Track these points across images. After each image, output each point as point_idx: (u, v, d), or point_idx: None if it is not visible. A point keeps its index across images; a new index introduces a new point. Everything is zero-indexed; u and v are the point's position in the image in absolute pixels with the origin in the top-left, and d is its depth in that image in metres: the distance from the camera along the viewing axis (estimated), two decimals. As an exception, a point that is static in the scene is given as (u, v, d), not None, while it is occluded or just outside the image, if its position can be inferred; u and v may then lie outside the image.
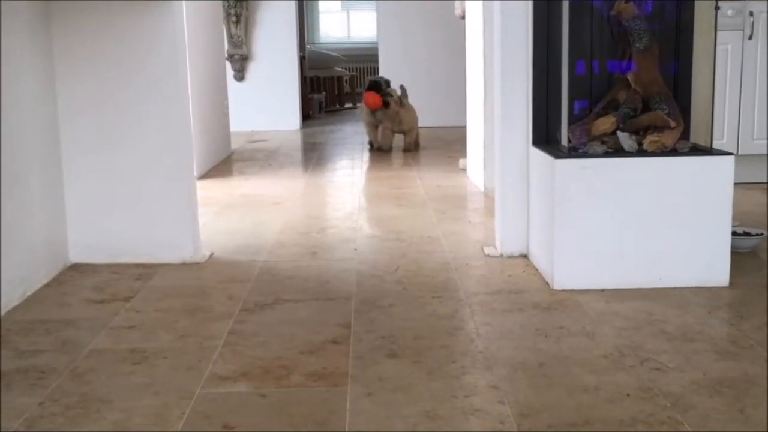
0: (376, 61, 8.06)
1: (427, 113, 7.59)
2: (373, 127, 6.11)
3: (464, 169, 4.98)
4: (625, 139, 2.51)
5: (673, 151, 2.51)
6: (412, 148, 6.07)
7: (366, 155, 5.96)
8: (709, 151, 2.54)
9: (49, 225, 2.76)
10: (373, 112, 5.96)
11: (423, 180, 4.73)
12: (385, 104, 5.89)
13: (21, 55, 2.58)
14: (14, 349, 2.09)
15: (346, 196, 4.37)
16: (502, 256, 2.95)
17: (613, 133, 2.54)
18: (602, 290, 2.49)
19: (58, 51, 2.80)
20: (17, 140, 2.53)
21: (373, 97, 5.90)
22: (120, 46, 2.82)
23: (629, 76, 2.52)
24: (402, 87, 6.24)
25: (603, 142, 2.53)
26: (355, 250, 3.12)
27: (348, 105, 9.92)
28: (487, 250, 3.02)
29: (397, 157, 5.75)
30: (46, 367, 1.97)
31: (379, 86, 5.98)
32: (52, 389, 1.84)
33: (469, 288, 2.59)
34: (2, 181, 2.43)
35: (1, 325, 2.28)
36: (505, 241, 2.96)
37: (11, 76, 2.50)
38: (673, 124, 2.50)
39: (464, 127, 5.19)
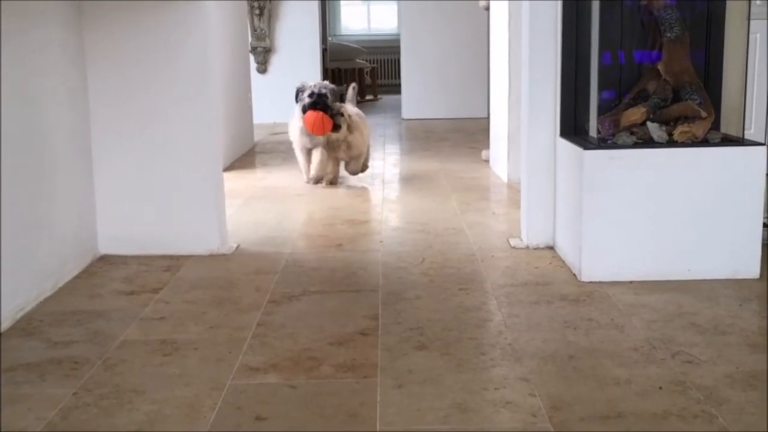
0: (397, 53, 8.04)
1: (448, 104, 7.59)
2: (307, 153, 4.34)
3: (487, 161, 4.96)
4: (655, 130, 2.48)
5: (704, 142, 2.48)
6: (357, 173, 4.50)
7: (387, 147, 5.94)
8: (740, 141, 2.51)
9: (79, 217, 2.79)
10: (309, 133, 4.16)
11: (446, 171, 4.72)
12: (336, 127, 4.14)
13: (53, 51, 2.60)
14: (47, 340, 2.12)
15: (368, 187, 4.36)
16: (527, 247, 2.94)
17: (643, 123, 2.51)
18: (630, 282, 2.47)
19: (89, 47, 2.82)
20: (49, 135, 2.56)
21: (321, 120, 4.04)
22: (149, 42, 2.84)
23: (660, 66, 2.49)
24: (354, 88, 4.75)
25: (632, 133, 2.51)
26: (381, 241, 3.12)
27: (369, 97, 9.92)
28: (513, 242, 3.01)
29: (417, 148, 5.73)
30: (79, 358, 1.99)
31: (326, 103, 4.08)
32: (85, 380, 1.86)
33: (496, 280, 2.58)
34: (34, 174, 2.45)
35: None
36: (530, 232, 2.94)
37: (43, 71, 2.53)
38: (704, 114, 2.47)
39: (486, 118, 5.17)
